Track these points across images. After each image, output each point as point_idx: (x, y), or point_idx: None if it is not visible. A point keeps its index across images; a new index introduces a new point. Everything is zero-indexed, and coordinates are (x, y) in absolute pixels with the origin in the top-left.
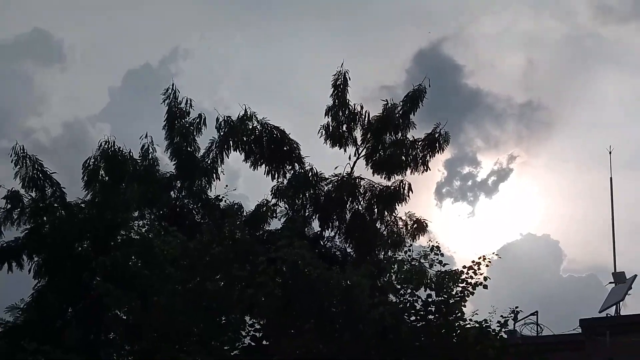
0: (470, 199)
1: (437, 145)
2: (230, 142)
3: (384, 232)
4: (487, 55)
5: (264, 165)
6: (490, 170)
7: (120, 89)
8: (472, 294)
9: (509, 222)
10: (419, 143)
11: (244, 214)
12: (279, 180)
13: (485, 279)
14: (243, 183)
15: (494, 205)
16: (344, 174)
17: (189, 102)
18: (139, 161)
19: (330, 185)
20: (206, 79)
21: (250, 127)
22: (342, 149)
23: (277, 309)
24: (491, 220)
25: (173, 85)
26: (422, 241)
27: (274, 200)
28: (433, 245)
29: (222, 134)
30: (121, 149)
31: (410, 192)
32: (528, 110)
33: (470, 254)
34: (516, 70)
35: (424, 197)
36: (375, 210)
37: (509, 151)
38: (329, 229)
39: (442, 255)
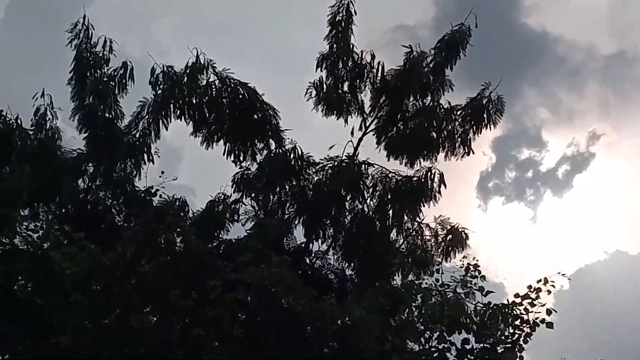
0: (530, 198)
1: (484, 116)
2: (172, 105)
3: (402, 246)
4: None
5: (222, 142)
6: (561, 156)
7: (1, 24)
8: (530, 336)
9: (588, 234)
10: (458, 112)
11: (190, 214)
12: (245, 164)
13: (549, 312)
14: (189, 168)
15: (566, 208)
16: (344, 157)
17: (108, 44)
18: (30, 133)
19: (323, 173)
20: (135, 13)
21: (204, 83)
22: (342, 119)
23: (238, 356)
24: (562, 230)
25: (85, 18)
26: (459, 261)
27: (235, 195)
28: (469, 264)
29: (159, 92)
30: (3, 113)
31: (443, 185)
32: (618, 66)
33: (528, 280)
34: (601, 6)
35: (462, 193)
36: (390, 212)
37: (589, 127)
38: (320, 240)
39: (483, 279)
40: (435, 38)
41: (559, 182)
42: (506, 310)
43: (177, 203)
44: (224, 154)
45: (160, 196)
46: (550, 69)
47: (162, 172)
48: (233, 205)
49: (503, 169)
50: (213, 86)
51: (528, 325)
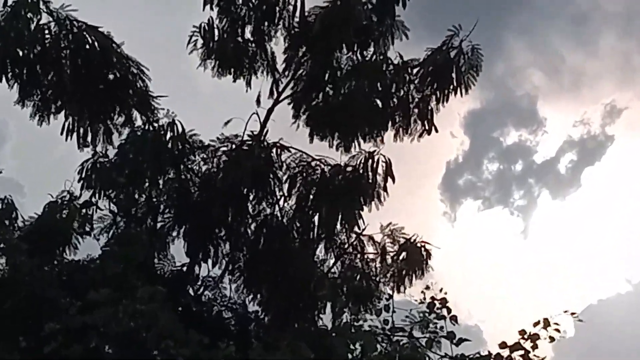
0: (519, 203)
1: (452, 76)
2: None
3: (334, 269)
4: None
5: (63, 114)
6: (564, 140)
7: None
8: None
9: (602, 255)
10: (414, 71)
11: (19, 223)
12: (99, 148)
13: None
14: (14, 154)
15: (571, 217)
16: (246, 137)
17: None
18: None
19: (215, 160)
20: None
21: (34, 26)
22: (243, 80)
23: None
24: (564, 250)
25: None
26: (417, 289)
27: (86, 195)
28: (434, 298)
29: None
30: None
31: (390, 178)
32: None
33: (517, 322)
34: None
35: (419, 193)
36: (315, 218)
37: (604, 98)
38: (210, 260)
39: (454, 320)
40: None
41: (561, 178)
42: None
43: (0, 206)
44: (62, 133)
45: None
46: (547, 12)
47: None
48: (83, 210)
49: (480, 158)
50: (47, 31)
51: None
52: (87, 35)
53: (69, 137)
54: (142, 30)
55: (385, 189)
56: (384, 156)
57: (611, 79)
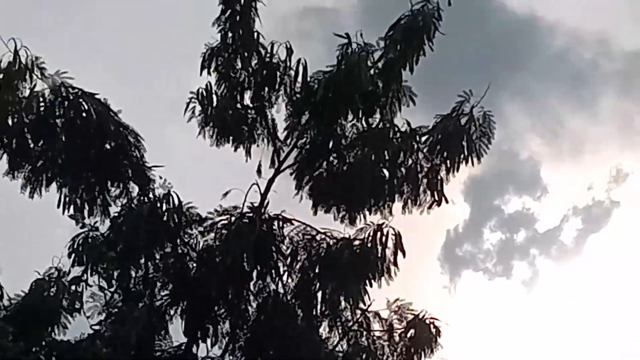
0: (520, 273)
1: (463, 144)
2: None
3: (339, 347)
4: None
5: (55, 186)
6: (567, 207)
7: None
8: None
9: (608, 326)
10: (424, 139)
11: (4, 302)
12: (91, 221)
13: None
14: None
15: (575, 287)
16: (246, 209)
17: None
18: None
19: (214, 234)
20: None
21: (27, 93)
22: (243, 149)
23: None
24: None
25: None
26: None
27: (76, 271)
28: None
29: None
30: None
31: (401, 252)
32: None
33: None
34: None
35: (419, 262)
36: (319, 294)
37: (608, 161)
38: (210, 339)
39: None
40: (367, 26)
41: (565, 248)
42: None
43: None
44: (58, 206)
45: None
46: (543, 73)
47: None
48: (73, 287)
49: (481, 227)
50: (41, 98)
51: None
52: (83, 103)
53: (64, 210)
54: (139, 94)
55: (395, 264)
56: (393, 229)
57: (614, 142)
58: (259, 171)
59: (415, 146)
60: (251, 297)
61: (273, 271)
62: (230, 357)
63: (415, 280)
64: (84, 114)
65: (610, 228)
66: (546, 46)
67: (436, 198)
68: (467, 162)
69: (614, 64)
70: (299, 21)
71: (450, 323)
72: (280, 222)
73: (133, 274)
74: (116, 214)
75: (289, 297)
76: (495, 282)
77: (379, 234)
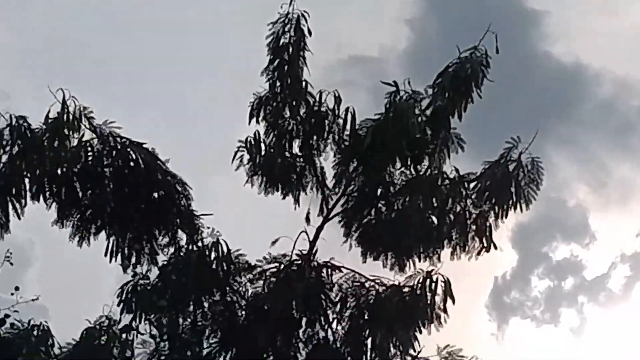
0: (568, 320)
1: (511, 190)
2: (27, 179)
3: None
4: None
5: (106, 232)
6: (615, 254)
7: None
8: None
9: None
10: (472, 185)
11: (56, 350)
12: (141, 269)
13: None
14: (40, 275)
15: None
16: (295, 257)
17: None
18: None
19: (263, 282)
20: None
21: (75, 143)
22: (291, 197)
23: None
24: None
25: None
26: None
27: (126, 319)
28: None
29: (4, 160)
30: None
31: (450, 299)
32: None
33: None
34: None
35: (467, 309)
36: (368, 340)
37: None
38: None
39: None
40: (412, 74)
41: (613, 295)
42: None
43: (36, 333)
44: (105, 254)
45: (13, 325)
46: (590, 120)
47: (17, 288)
48: (123, 335)
49: (528, 274)
50: (89, 148)
51: None
52: (131, 152)
53: (114, 259)
54: (186, 143)
55: (445, 310)
56: (443, 275)
57: None
58: (307, 219)
59: (464, 193)
60: (300, 345)
61: (322, 319)
62: None
63: (464, 327)
64: (131, 163)
65: None
66: (592, 94)
67: (485, 244)
68: (515, 209)
69: None
70: (344, 71)
71: None
72: (329, 270)
73: (182, 321)
74: (165, 262)
75: (338, 345)
76: (543, 329)
77: (428, 280)
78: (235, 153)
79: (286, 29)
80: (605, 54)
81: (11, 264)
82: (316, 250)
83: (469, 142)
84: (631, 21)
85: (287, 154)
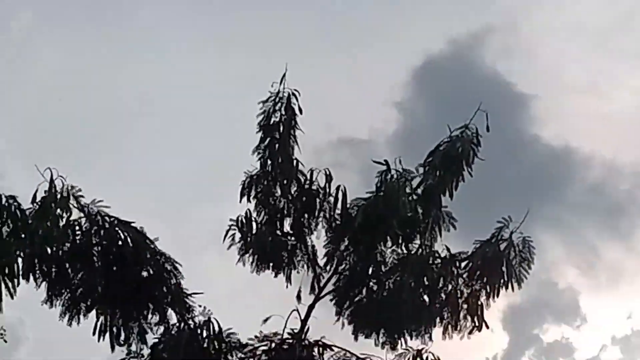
0: None
1: (503, 270)
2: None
3: None
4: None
5: (95, 311)
6: (606, 336)
7: None
8: None
9: None
10: (464, 264)
11: None
12: (132, 348)
13: None
14: (28, 352)
15: None
16: (286, 335)
17: None
18: None
19: (254, 359)
20: None
21: (63, 222)
22: (282, 275)
23: None
24: None
25: None
26: None
27: None
28: None
29: None
30: None
31: None
32: None
33: None
34: None
35: None
36: None
37: None
38: None
39: None
40: (401, 155)
41: None
42: None
43: None
44: (94, 333)
45: None
46: (579, 202)
47: None
48: None
49: (519, 356)
50: (77, 227)
51: None
52: (119, 231)
53: (102, 338)
54: (177, 224)
55: None
56: (433, 354)
57: None
58: (298, 297)
59: (455, 272)
60: None
61: None
62: None
63: None
64: (120, 242)
65: None
66: (582, 177)
67: (477, 323)
68: (507, 288)
69: None
70: (334, 152)
71: None
72: (320, 349)
73: None
74: (156, 340)
75: None
76: None
77: (418, 359)
78: (227, 232)
79: (277, 107)
80: (594, 137)
81: (5, 341)
82: (307, 329)
83: (460, 220)
84: (620, 105)
85: (278, 232)
